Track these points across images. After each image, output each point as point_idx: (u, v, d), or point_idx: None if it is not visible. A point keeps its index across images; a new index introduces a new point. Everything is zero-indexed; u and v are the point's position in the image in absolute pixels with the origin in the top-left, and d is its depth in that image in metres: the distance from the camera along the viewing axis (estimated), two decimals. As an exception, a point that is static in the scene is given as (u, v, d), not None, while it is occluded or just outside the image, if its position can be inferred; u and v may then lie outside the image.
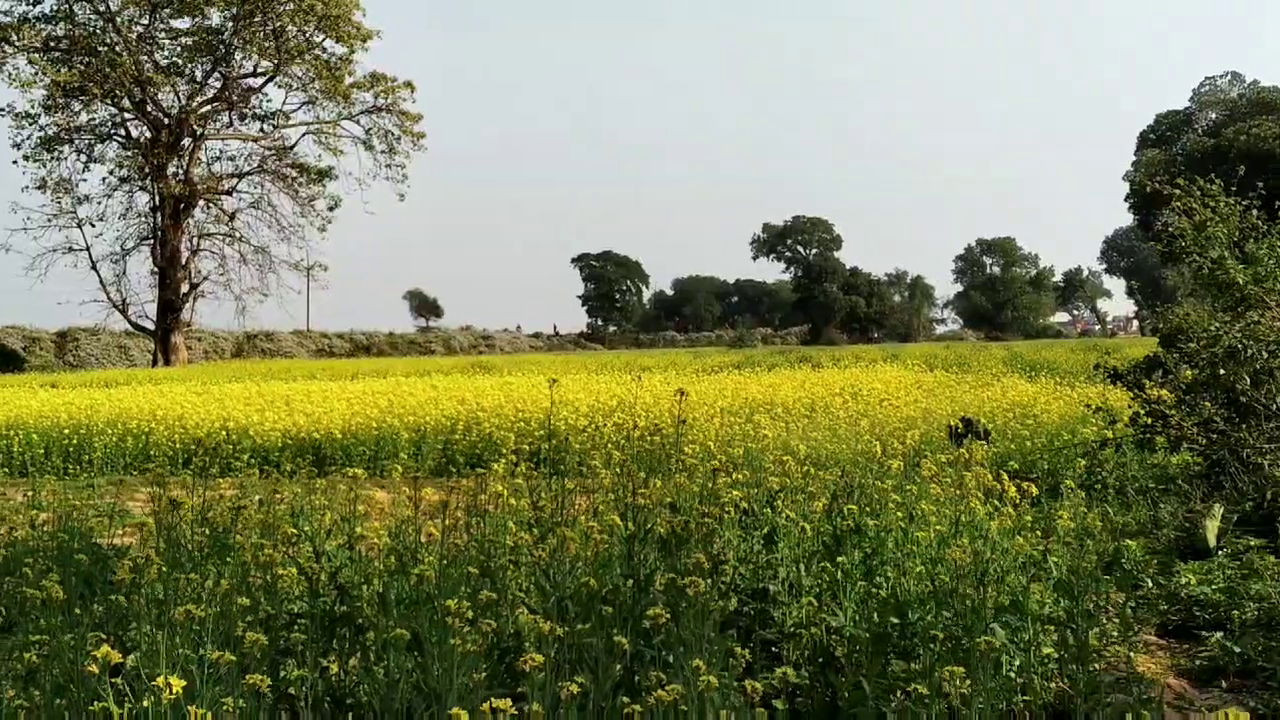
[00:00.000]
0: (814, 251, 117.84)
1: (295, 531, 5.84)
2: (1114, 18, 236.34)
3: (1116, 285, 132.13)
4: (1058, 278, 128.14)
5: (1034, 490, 6.25)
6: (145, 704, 2.72)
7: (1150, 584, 7.36)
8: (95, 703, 2.78)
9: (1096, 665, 4.89)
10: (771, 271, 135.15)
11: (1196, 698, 5.78)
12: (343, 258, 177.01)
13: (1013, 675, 5.05)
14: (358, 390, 22.75)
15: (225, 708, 2.70)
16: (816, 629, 5.24)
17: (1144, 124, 77.39)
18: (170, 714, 2.49)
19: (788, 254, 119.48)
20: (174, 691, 2.34)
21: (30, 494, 9.62)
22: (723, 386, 21.41)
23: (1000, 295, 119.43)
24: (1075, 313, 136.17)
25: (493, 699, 2.60)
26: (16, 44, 50.59)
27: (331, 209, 58.28)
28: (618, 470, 5.88)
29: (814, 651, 5.30)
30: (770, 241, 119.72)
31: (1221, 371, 10.19)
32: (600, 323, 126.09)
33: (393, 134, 57.73)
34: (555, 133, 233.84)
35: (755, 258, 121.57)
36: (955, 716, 3.87)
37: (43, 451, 17.08)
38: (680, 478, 6.13)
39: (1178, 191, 11.84)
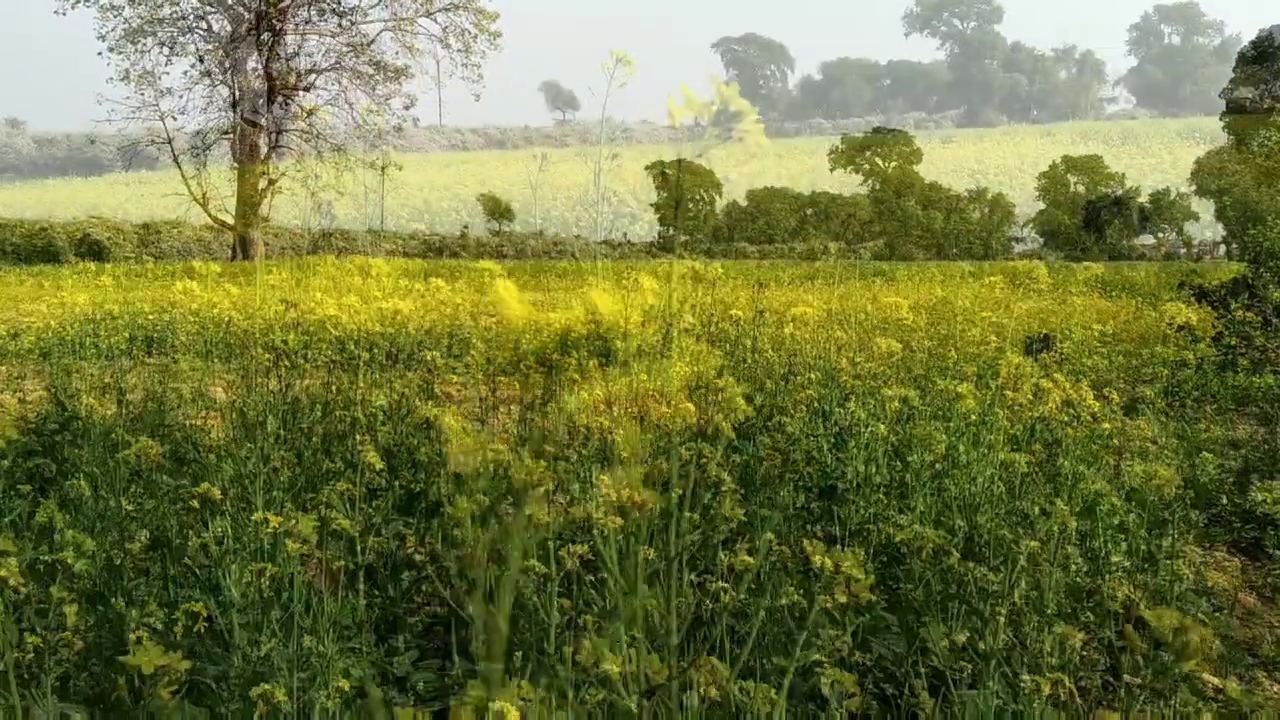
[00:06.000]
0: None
1: (375, 411, 5.98)
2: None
3: (1205, 207, 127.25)
4: (1144, 199, 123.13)
5: (1115, 398, 6.15)
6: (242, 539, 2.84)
7: (1226, 500, 7.26)
8: (191, 538, 2.91)
9: (1166, 575, 4.86)
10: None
11: (1265, 613, 5.74)
12: (418, 158, 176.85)
13: (1080, 581, 5.03)
14: (431, 289, 23.02)
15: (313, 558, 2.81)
16: (885, 524, 5.27)
17: (1243, 43, 74.38)
18: (268, 548, 2.60)
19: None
20: (271, 526, 2.44)
21: (115, 376, 9.90)
22: (793, 298, 21.25)
23: (1083, 215, 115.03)
24: (1160, 235, 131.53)
25: (568, 545, 2.67)
26: (101, -66, 51.04)
27: (407, 108, 58.49)
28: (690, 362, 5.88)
29: (879, 549, 5.32)
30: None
31: (1314, 292, 9.91)
32: (670, 232, 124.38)
33: (469, 32, 57.43)
34: None
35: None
36: (1020, 615, 3.88)
37: (127, 337, 17.61)
38: (752, 359, 6.14)
39: (1280, 105, 11.35)
